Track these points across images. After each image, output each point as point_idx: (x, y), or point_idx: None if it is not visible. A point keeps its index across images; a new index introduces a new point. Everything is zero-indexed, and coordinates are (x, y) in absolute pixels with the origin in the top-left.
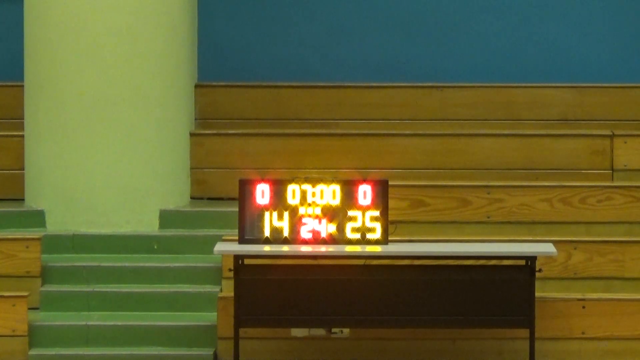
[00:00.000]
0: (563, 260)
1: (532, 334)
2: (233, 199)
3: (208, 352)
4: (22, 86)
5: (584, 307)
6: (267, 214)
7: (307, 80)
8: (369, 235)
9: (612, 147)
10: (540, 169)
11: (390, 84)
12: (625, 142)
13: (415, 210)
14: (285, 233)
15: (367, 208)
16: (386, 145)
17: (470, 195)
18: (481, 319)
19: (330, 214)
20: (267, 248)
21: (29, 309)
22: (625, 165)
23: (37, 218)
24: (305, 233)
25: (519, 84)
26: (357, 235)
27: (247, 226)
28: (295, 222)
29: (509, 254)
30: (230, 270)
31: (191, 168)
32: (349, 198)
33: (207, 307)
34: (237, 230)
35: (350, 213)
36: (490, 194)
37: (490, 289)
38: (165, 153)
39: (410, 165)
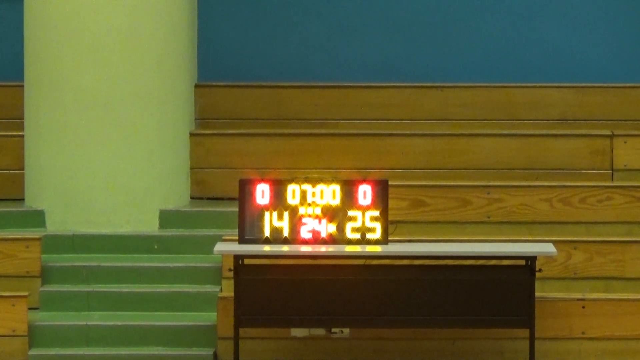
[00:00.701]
0: (563, 260)
1: (532, 334)
2: (233, 199)
3: (208, 352)
4: (22, 86)
5: (584, 307)
6: (267, 214)
7: (307, 80)
8: (369, 235)
9: (612, 147)
10: (540, 169)
11: (390, 84)
12: (625, 142)
13: (415, 210)
14: (285, 233)
15: (367, 208)
16: (386, 145)
17: (470, 195)
18: (481, 319)
19: (330, 214)
20: (267, 248)
21: (29, 309)
22: (625, 165)
23: (37, 218)
24: (305, 233)
25: (519, 84)
26: (357, 235)
27: (247, 226)
28: (295, 222)
29: (509, 254)
30: (230, 270)
31: (191, 168)
32: (349, 198)
33: (207, 307)
34: (237, 230)
35: (350, 213)
36: (490, 194)
37: (490, 289)
38: (165, 153)
39: (410, 165)
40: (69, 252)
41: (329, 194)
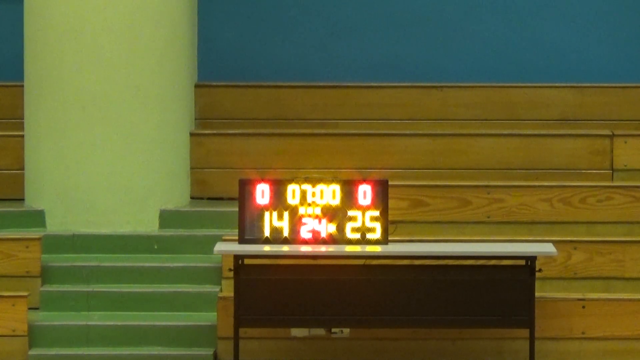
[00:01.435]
0: (563, 260)
1: (532, 334)
2: (233, 199)
3: (208, 352)
4: (22, 86)
5: (584, 307)
6: (267, 214)
7: (307, 80)
8: (369, 235)
9: (612, 147)
10: (540, 169)
11: (390, 84)
12: (625, 142)
13: (415, 210)
14: (285, 233)
15: (367, 208)
16: (386, 145)
17: (470, 195)
18: (481, 319)
19: (330, 214)
20: (267, 248)
21: (29, 309)
22: (625, 165)
23: (37, 218)
24: (305, 233)
25: (519, 84)
26: (357, 235)
27: (247, 226)
28: (295, 222)
29: (509, 254)
30: (230, 270)
31: (191, 168)
32: (349, 198)
33: (207, 307)
34: (237, 230)
35: (350, 213)
36: (490, 194)
37: (490, 289)
38: (165, 153)
39: (410, 165)
40: (69, 252)
41: (329, 194)
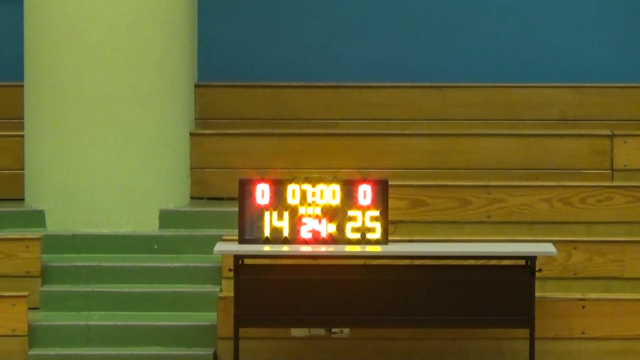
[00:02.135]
0: (563, 260)
1: (532, 334)
2: (233, 199)
3: (208, 352)
4: (22, 86)
5: (584, 307)
6: (267, 214)
7: (307, 80)
8: (369, 235)
9: (612, 147)
10: (540, 169)
11: (390, 84)
12: (625, 142)
13: (415, 210)
14: (285, 233)
15: (367, 208)
16: (386, 145)
17: (470, 195)
18: (481, 319)
19: (330, 214)
20: (267, 248)
21: (29, 309)
22: (625, 165)
23: (37, 218)
24: (305, 233)
25: (519, 84)
26: (357, 235)
27: (247, 226)
28: (295, 222)
29: (509, 254)
30: (230, 270)
31: (191, 168)
32: (349, 198)
33: (207, 307)
34: (237, 230)
35: (350, 213)
36: (490, 194)
37: (490, 289)
38: (165, 153)
39: (410, 165)
40: (69, 252)
41: (329, 194)
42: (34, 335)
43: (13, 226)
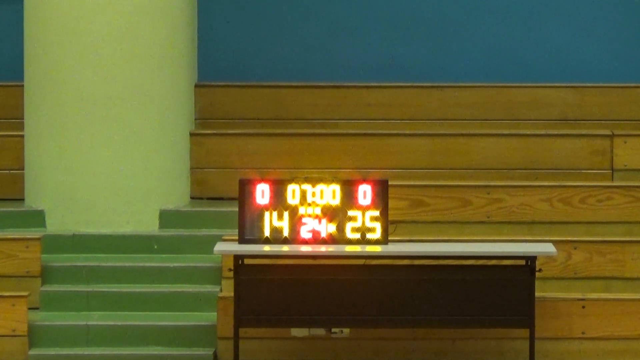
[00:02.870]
0: (563, 260)
1: (532, 334)
2: (233, 199)
3: (208, 352)
4: (22, 86)
5: (584, 307)
6: (267, 214)
7: (307, 80)
8: (369, 235)
9: (612, 147)
10: (540, 169)
11: (390, 84)
12: (625, 142)
13: (415, 210)
14: (285, 233)
15: (367, 208)
16: (386, 145)
17: (470, 195)
18: (481, 319)
19: (330, 214)
20: (267, 248)
21: (29, 309)
22: (625, 165)
23: (37, 218)
24: (305, 233)
25: (519, 84)
26: (357, 235)
27: (247, 226)
28: (295, 222)
29: (509, 254)
30: (230, 270)
31: (191, 168)
32: (349, 198)
33: (207, 307)
34: (237, 230)
35: (350, 213)
36: (490, 194)
37: (490, 289)
38: (165, 153)
39: (410, 165)
40: (69, 252)
41: (329, 194)
42: (34, 335)
43: (13, 226)
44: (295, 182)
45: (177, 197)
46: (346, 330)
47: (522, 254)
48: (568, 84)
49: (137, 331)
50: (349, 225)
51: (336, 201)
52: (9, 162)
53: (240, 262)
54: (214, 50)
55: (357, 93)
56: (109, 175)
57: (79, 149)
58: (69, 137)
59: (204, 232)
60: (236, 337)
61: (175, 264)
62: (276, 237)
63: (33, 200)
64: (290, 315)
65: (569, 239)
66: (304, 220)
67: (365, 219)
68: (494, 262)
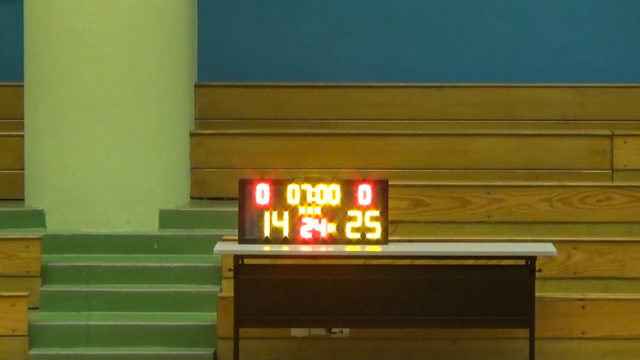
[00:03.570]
0: (563, 260)
1: (532, 334)
2: (233, 199)
3: (208, 352)
4: (22, 86)
5: (584, 307)
6: (267, 214)
7: (307, 80)
8: (369, 235)
9: (612, 147)
10: (540, 169)
11: (390, 84)
12: (625, 142)
13: (415, 210)
14: (285, 233)
15: (367, 208)
16: (386, 145)
17: (470, 195)
18: (481, 319)
19: (330, 213)
20: (267, 248)
21: (29, 309)
22: (625, 165)
23: (37, 218)
24: (305, 233)
25: (519, 84)
26: (357, 235)
27: (247, 226)
28: (295, 222)
29: (509, 254)
30: (230, 270)
31: (191, 168)
32: (349, 198)
33: (207, 307)
34: (237, 230)
35: (350, 213)
36: (490, 194)
37: (490, 289)
38: (165, 153)
39: (410, 165)
40: (69, 252)
41: (329, 194)
42: (34, 335)
43: (13, 226)
44: (295, 182)
45: (177, 197)
46: (346, 330)
47: (522, 254)
48: (568, 84)
49: (137, 331)
50: (349, 225)
51: (336, 201)
52: (9, 162)
53: (240, 262)
54: (214, 50)
55: (357, 93)
56: (109, 175)
57: (78, 149)
58: (69, 137)
59: (204, 232)
60: (236, 337)
61: (175, 264)
62: (276, 237)
63: (33, 200)
64: (290, 315)
65: (569, 239)
66: (304, 220)
67: (365, 219)
68: (493, 262)
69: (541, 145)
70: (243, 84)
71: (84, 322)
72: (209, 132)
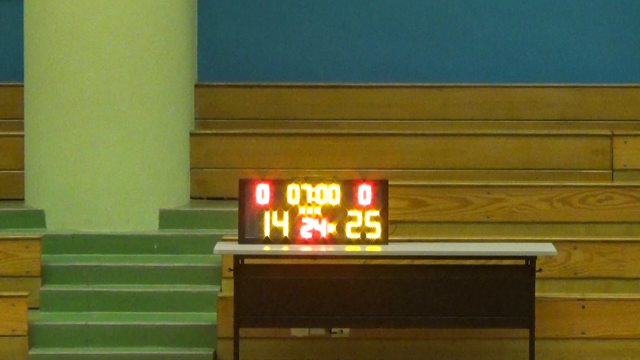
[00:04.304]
0: (563, 260)
1: (532, 334)
2: (233, 199)
3: (208, 352)
4: (22, 86)
5: (584, 307)
6: (267, 214)
7: (307, 80)
8: (369, 235)
9: (612, 147)
10: (540, 169)
11: (390, 84)
12: (625, 142)
13: (415, 210)
14: (285, 233)
15: (367, 208)
16: (386, 145)
17: (470, 195)
18: (481, 319)
19: (330, 213)
20: (267, 248)
21: (29, 309)
22: (625, 165)
23: (37, 218)
24: (305, 233)
25: (519, 84)
26: (357, 235)
27: (247, 226)
28: (295, 222)
29: (509, 254)
30: (230, 270)
31: (191, 168)
32: (349, 198)
33: (207, 307)
34: (237, 230)
35: (350, 213)
36: (490, 194)
37: (490, 289)
38: (165, 153)
39: (410, 165)
40: (69, 252)
41: (329, 194)
42: (34, 335)
43: (13, 226)
44: (295, 182)
45: (177, 197)
46: (346, 330)
47: (522, 254)
48: (568, 84)
49: (137, 331)
50: (349, 225)
51: (336, 201)
52: (9, 162)
53: (240, 262)
54: (214, 50)
55: (357, 93)
56: (109, 175)
57: (79, 149)
58: (69, 137)
59: (204, 232)
60: (236, 337)
61: (175, 264)
62: (276, 237)
63: (33, 200)
64: (290, 315)
65: (569, 239)
66: (304, 220)
67: (365, 219)
68: (494, 262)
69: (541, 145)
70: (243, 84)
71: (84, 322)
72: (209, 132)
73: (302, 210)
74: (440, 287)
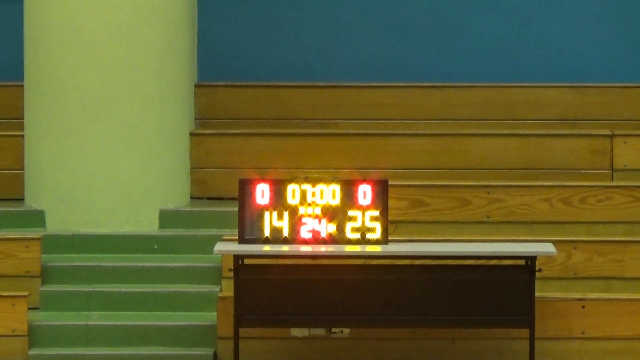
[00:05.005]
0: (563, 260)
1: (532, 334)
2: (233, 199)
3: (208, 352)
4: (22, 86)
5: (584, 307)
6: (267, 214)
7: (307, 80)
8: (369, 235)
9: (612, 147)
10: (540, 169)
11: (390, 84)
12: (625, 142)
13: (415, 210)
14: (285, 233)
15: (367, 208)
16: (386, 145)
17: (470, 195)
18: (481, 319)
19: (330, 213)
20: (267, 248)
21: (29, 309)
22: (625, 165)
23: (37, 218)
24: (305, 233)
25: (519, 84)
26: (357, 235)
27: (247, 226)
28: (295, 222)
29: (509, 254)
30: (230, 270)
31: (191, 168)
32: (348, 198)
33: (207, 307)
34: (237, 230)
35: (350, 213)
36: (490, 194)
37: (490, 289)
38: (165, 153)
39: (410, 165)
40: (69, 252)
41: (329, 194)
42: (34, 335)
43: (13, 226)
44: (295, 182)
45: (177, 197)
46: (346, 330)
47: (522, 254)
48: (568, 84)
49: (137, 331)
50: (349, 225)
51: (336, 201)
52: (9, 162)
53: (240, 262)
54: (214, 50)
55: (357, 93)
56: (109, 175)
57: (79, 149)
58: (69, 137)
59: (204, 232)
60: (236, 337)
61: (175, 264)
62: (276, 237)
63: (33, 200)
64: (290, 315)
65: (569, 239)
66: (304, 220)
67: (365, 218)
68: (494, 262)
69: (541, 145)
70: (243, 84)
71: (84, 322)
72: (209, 132)
73: (302, 210)
74: (440, 287)
